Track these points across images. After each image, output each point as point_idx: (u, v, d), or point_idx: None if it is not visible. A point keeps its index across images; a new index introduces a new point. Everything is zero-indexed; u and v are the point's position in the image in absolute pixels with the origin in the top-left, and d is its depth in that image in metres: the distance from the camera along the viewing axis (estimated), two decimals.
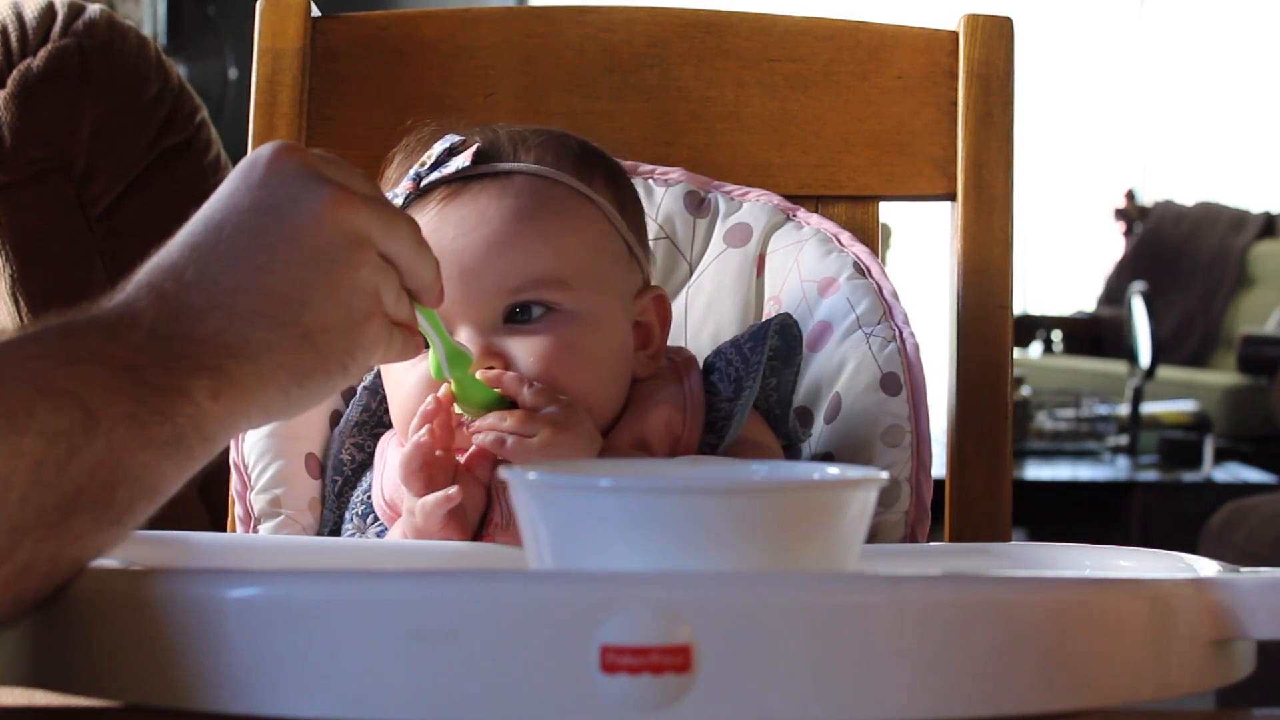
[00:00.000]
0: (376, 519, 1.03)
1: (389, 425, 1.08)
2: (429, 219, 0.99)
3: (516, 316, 0.99)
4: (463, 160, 1.00)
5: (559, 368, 0.98)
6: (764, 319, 1.14)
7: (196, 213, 0.74)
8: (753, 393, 1.02)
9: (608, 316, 1.01)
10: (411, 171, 1.01)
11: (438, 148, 1.01)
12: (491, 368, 0.97)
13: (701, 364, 1.06)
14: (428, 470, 0.94)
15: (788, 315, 1.07)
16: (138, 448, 0.66)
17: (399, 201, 1.00)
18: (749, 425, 1.03)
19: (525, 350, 0.98)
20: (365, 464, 1.07)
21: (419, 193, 1.01)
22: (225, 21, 3.92)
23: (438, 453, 0.95)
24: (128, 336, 0.67)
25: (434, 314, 0.86)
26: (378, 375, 1.07)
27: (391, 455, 1.03)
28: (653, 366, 1.06)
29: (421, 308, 0.83)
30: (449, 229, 0.99)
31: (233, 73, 3.90)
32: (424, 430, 0.94)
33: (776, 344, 1.04)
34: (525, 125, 1.06)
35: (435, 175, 1.00)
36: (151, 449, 0.66)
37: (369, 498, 1.04)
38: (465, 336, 0.98)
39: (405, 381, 1.00)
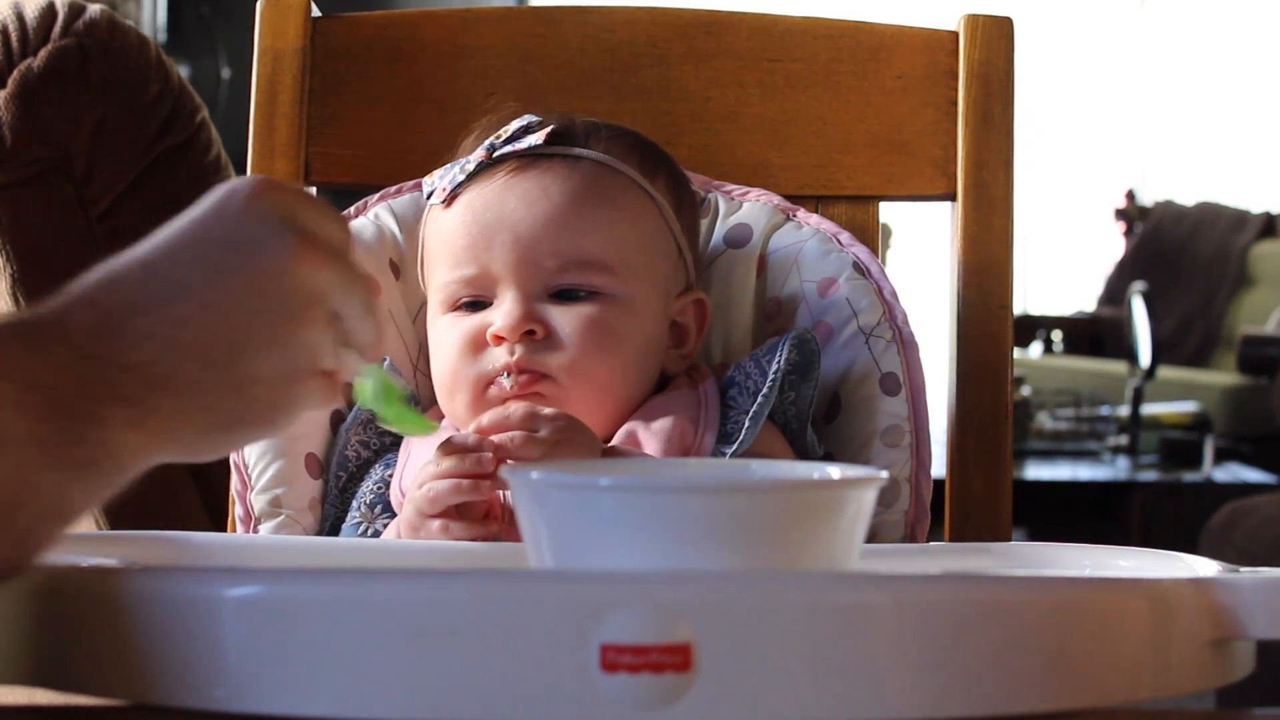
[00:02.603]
0: (385, 509, 1.04)
1: None
2: (495, 187, 1.04)
3: (562, 294, 1.03)
4: (536, 138, 1.05)
5: (591, 342, 1.02)
6: (770, 323, 1.14)
7: (160, 229, 0.72)
8: (767, 402, 1.02)
9: (646, 306, 1.05)
10: (487, 141, 1.06)
11: (515, 124, 1.07)
12: (531, 331, 1.01)
13: (719, 377, 1.07)
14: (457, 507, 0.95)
15: (806, 330, 1.07)
16: (44, 467, 0.64)
17: (470, 168, 1.05)
18: (763, 438, 1.03)
19: (564, 320, 1.02)
20: (370, 461, 1.08)
21: (490, 162, 1.05)
22: (219, 22, 3.92)
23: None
24: (52, 351, 0.65)
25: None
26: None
27: (417, 449, 1.04)
28: (684, 365, 1.09)
29: None
30: (512, 199, 1.04)
31: (226, 73, 3.89)
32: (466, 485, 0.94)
33: (794, 358, 1.04)
34: (602, 119, 1.11)
35: (509, 148, 1.05)
36: (60, 469, 0.64)
37: (379, 488, 1.05)
38: (511, 301, 1.02)
39: (445, 340, 1.05)
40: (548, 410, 0.96)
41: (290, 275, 0.71)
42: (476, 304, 1.04)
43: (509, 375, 1.01)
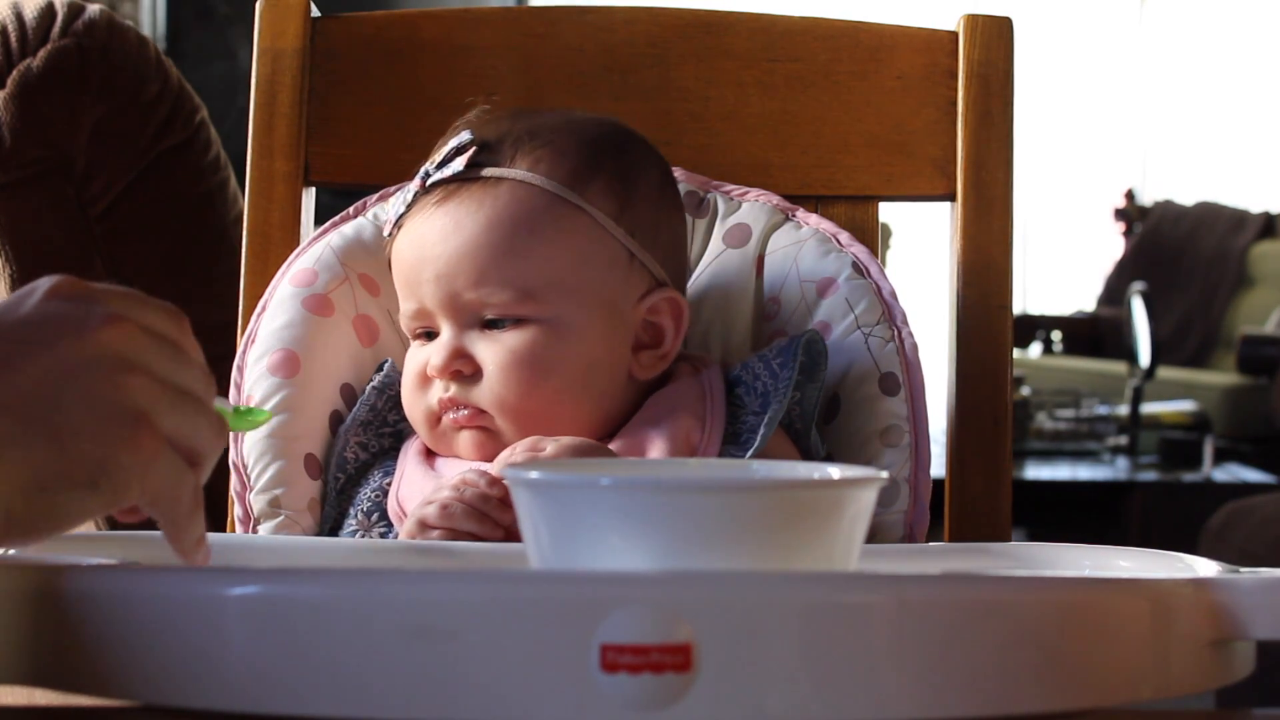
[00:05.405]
0: (382, 518, 1.04)
1: (394, 426, 1.09)
2: (420, 221, 1.04)
3: (492, 323, 1.03)
4: (459, 164, 1.03)
5: (514, 376, 1.02)
6: (769, 323, 1.14)
7: None
8: (781, 409, 1.02)
9: (584, 326, 1.03)
10: (423, 168, 1.05)
11: (451, 143, 1.05)
12: (459, 372, 1.02)
13: (724, 376, 1.07)
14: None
15: (814, 332, 1.07)
16: None
17: (409, 198, 1.05)
18: (774, 443, 1.03)
19: (490, 356, 1.02)
20: (369, 463, 1.08)
21: (425, 190, 1.05)
22: (239, 22, 3.92)
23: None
24: None
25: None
26: (386, 374, 1.09)
27: (411, 463, 1.05)
28: (661, 367, 1.07)
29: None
30: (431, 234, 1.03)
31: None
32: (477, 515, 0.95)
33: (803, 360, 1.04)
34: (561, 112, 1.09)
35: (438, 176, 1.04)
36: None
37: (376, 496, 1.05)
38: (443, 336, 1.03)
39: (405, 371, 1.06)
40: (550, 447, 0.97)
41: (93, 338, 0.69)
42: (432, 334, 1.05)
43: (448, 411, 1.03)
